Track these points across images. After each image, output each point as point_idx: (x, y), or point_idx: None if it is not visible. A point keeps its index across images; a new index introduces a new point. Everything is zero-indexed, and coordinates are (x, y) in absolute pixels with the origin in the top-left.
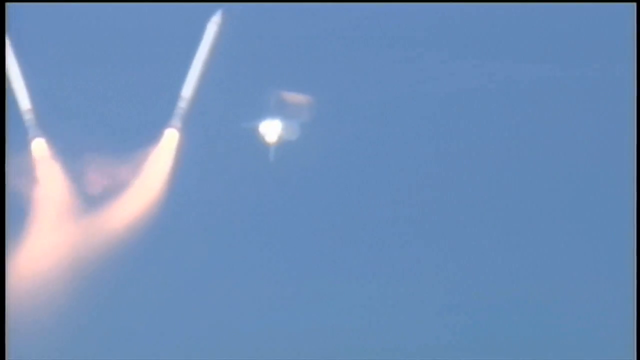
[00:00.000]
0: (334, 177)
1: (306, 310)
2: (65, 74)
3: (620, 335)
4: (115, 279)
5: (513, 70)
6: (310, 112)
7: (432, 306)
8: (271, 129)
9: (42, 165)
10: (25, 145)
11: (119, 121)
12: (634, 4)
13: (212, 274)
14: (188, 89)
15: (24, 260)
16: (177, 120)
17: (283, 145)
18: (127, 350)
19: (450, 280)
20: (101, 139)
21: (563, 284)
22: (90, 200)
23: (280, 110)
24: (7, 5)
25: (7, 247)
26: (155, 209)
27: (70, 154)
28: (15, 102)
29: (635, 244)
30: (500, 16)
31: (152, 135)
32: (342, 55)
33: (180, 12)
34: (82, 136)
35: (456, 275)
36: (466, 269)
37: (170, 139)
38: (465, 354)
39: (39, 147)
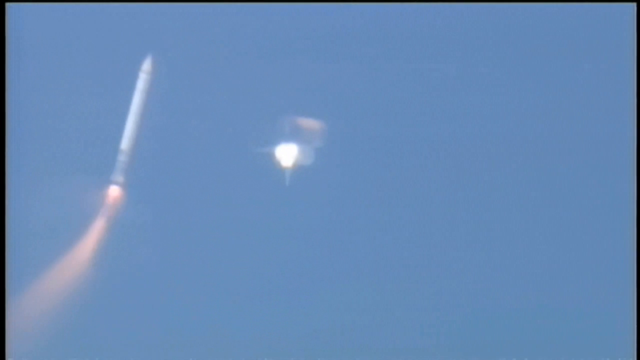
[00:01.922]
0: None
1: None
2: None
3: (620, 336)
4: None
5: (513, 71)
6: (322, 136)
7: (433, 307)
8: (287, 154)
9: None
10: None
11: (55, 183)
12: (634, 4)
13: (229, 299)
14: (126, 142)
15: None
16: (118, 175)
17: (298, 169)
18: None
19: (449, 281)
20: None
21: (561, 283)
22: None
23: (295, 135)
24: (7, 5)
25: (7, 249)
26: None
27: None
28: None
29: (635, 244)
30: (497, 17)
31: (92, 195)
32: (351, 69)
33: (109, 62)
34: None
35: (455, 276)
36: (465, 269)
37: (114, 195)
38: (464, 355)
39: None
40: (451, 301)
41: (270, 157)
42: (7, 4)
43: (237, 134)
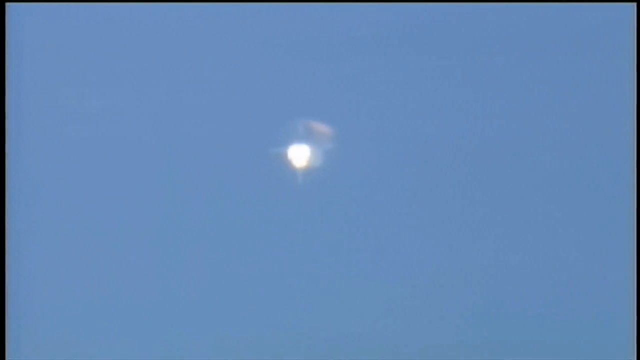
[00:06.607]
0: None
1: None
2: None
3: (620, 336)
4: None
5: (513, 72)
6: (335, 137)
7: (433, 306)
8: (299, 154)
9: None
10: None
11: None
12: (634, 4)
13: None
14: None
15: None
16: None
17: (311, 170)
18: None
19: (450, 280)
20: None
21: (561, 284)
22: None
23: (307, 136)
24: (7, 5)
25: (7, 247)
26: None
27: None
28: None
29: (635, 243)
30: (497, 16)
31: None
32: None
33: None
34: None
35: (456, 276)
36: (465, 268)
37: None
38: (464, 354)
39: None
40: (459, 303)
41: (283, 158)
42: (7, 4)
43: (249, 135)
